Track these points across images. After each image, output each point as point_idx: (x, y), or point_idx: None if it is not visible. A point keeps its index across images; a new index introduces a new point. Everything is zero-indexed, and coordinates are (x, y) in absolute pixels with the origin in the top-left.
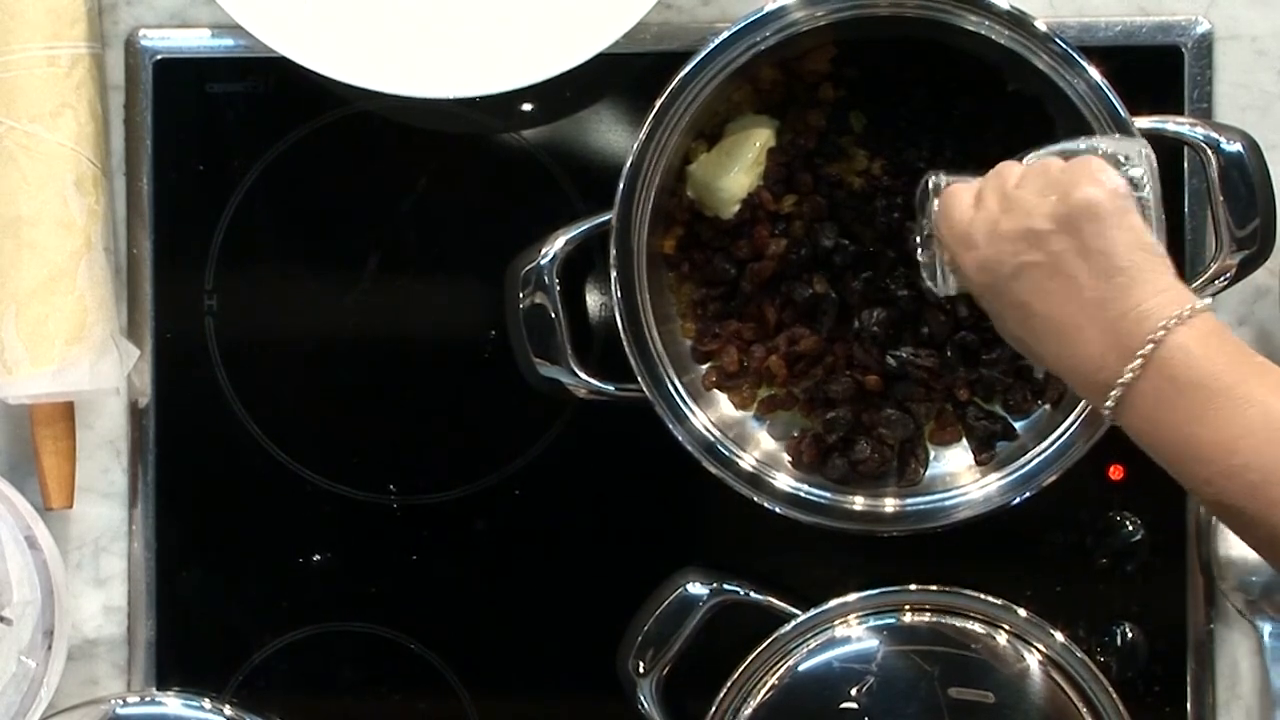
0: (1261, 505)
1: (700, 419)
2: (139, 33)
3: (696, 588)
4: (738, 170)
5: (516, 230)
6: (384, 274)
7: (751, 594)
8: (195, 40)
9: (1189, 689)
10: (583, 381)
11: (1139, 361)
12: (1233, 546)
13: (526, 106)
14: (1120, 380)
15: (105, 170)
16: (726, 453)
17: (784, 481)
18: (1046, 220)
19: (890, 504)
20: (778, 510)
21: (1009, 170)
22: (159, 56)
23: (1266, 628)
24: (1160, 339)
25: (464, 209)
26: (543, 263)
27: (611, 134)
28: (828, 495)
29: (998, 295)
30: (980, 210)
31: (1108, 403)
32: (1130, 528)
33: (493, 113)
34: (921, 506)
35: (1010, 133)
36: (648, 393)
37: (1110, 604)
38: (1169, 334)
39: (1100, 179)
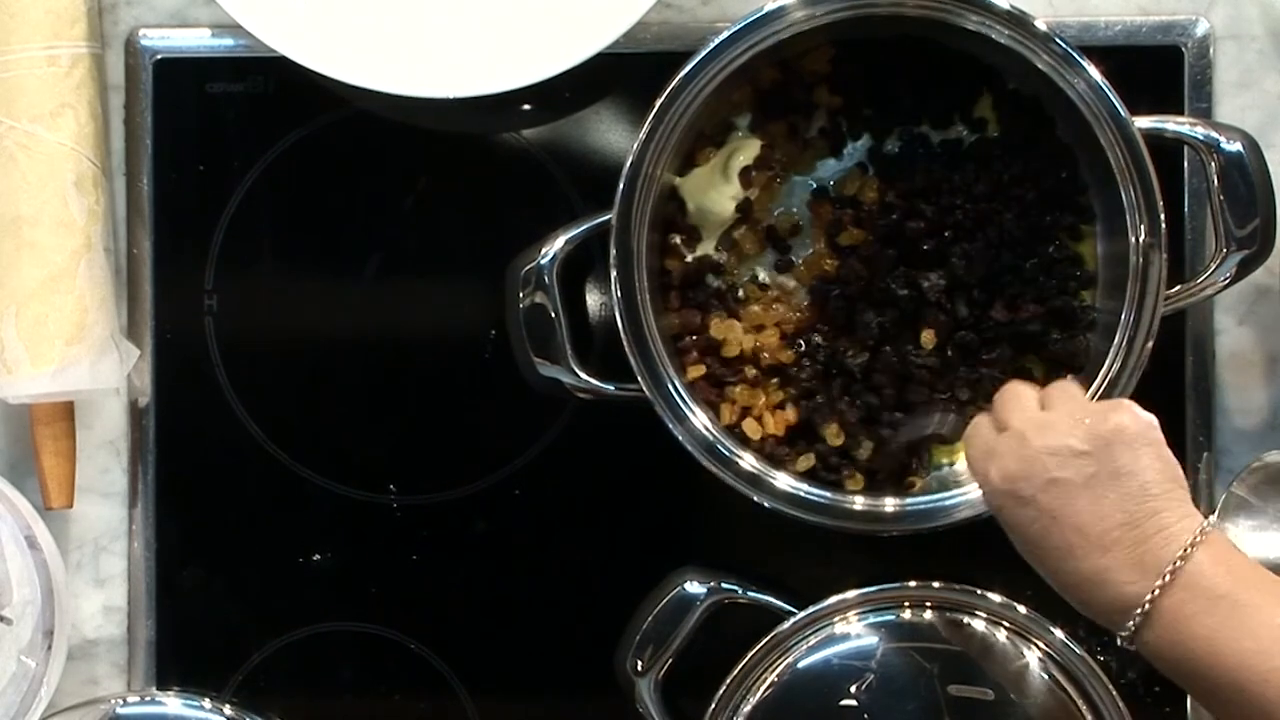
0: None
1: (700, 418)
2: (139, 32)
3: (694, 587)
4: (725, 188)
5: (516, 230)
6: (384, 274)
7: (749, 593)
8: (195, 40)
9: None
10: (583, 381)
11: (1166, 578)
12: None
13: (526, 106)
14: (1148, 596)
15: (105, 170)
16: (726, 452)
17: (784, 481)
18: (1083, 440)
19: (890, 504)
20: (778, 510)
21: (1025, 393)
22: (159, 56)
23: None
24: (1188, 555)
25: (464, 209)
26: (543, 262)
27: (611, 134)
28: (827, 495)
29: (1022, 505)
30: (1007, 430)
31: (1131, 621)
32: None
33: (493, 113)
34: (921, 506)
35: (1010, 131)
36: (648, 392)
37: None
38: (1194, 551)
39: (1136, 411)
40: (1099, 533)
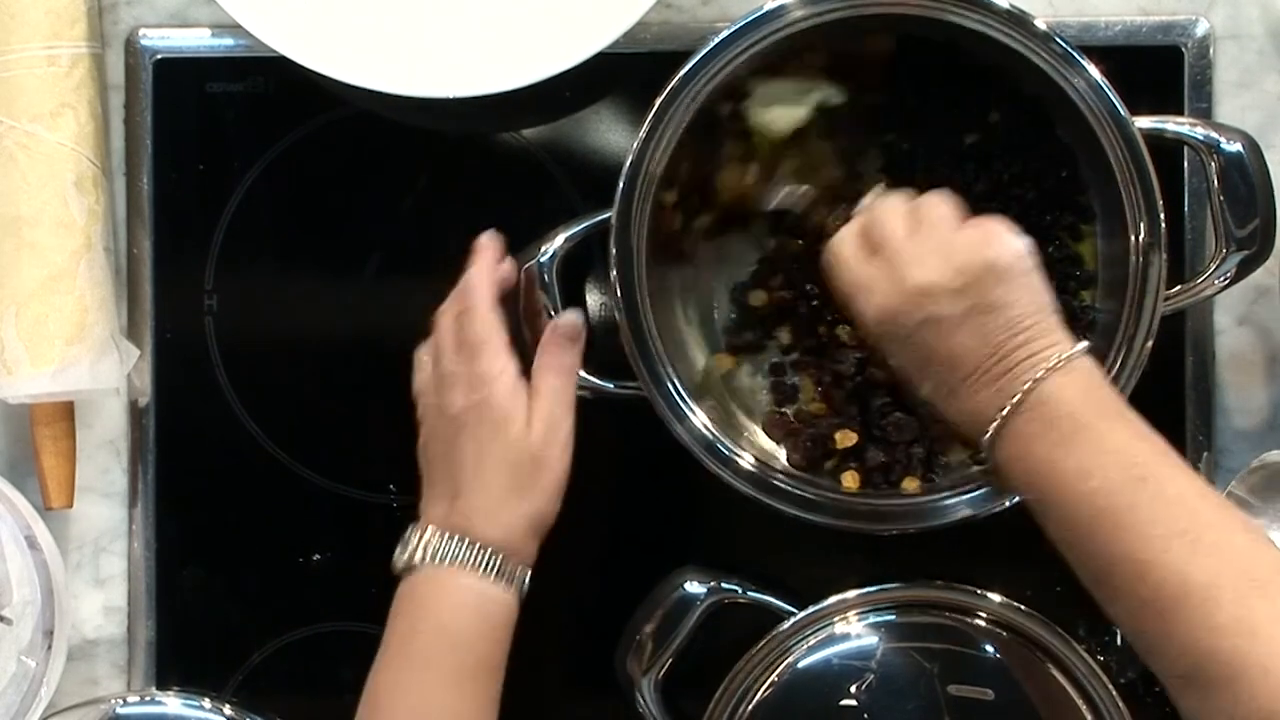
0: (1103, 531)
1: (700, 417)
2: (139, 32)
3: (694, 587)
4: (795, 110)
5: (516, 230)
6: (384, 274)
7: (749, 593)
8: (195, 40)
9: None
10: (582, 379)
11: (1017, 398)
12: None
13: (526, 106)
14: (1000, 414)
15: (105, 170)
16: (726, 451)
17: (783, 480)
18: (956, 276)
19: (891, 503)
20: (778, 509)
21: (891, 214)
22: (159, 56)
23: None
24: (1041, 378)
25: (464, 209)
26: (542, 260)
27: (611, 134)
28: (828, 494)
29: (898, 341)
30: (876, 261)
31: (985, 436)
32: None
33: (493, 113)
34: (921, 505)
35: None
36: (647, 391)
37: None
38: (1047, 376)
39: (1007, 241)
40: (971, 365)
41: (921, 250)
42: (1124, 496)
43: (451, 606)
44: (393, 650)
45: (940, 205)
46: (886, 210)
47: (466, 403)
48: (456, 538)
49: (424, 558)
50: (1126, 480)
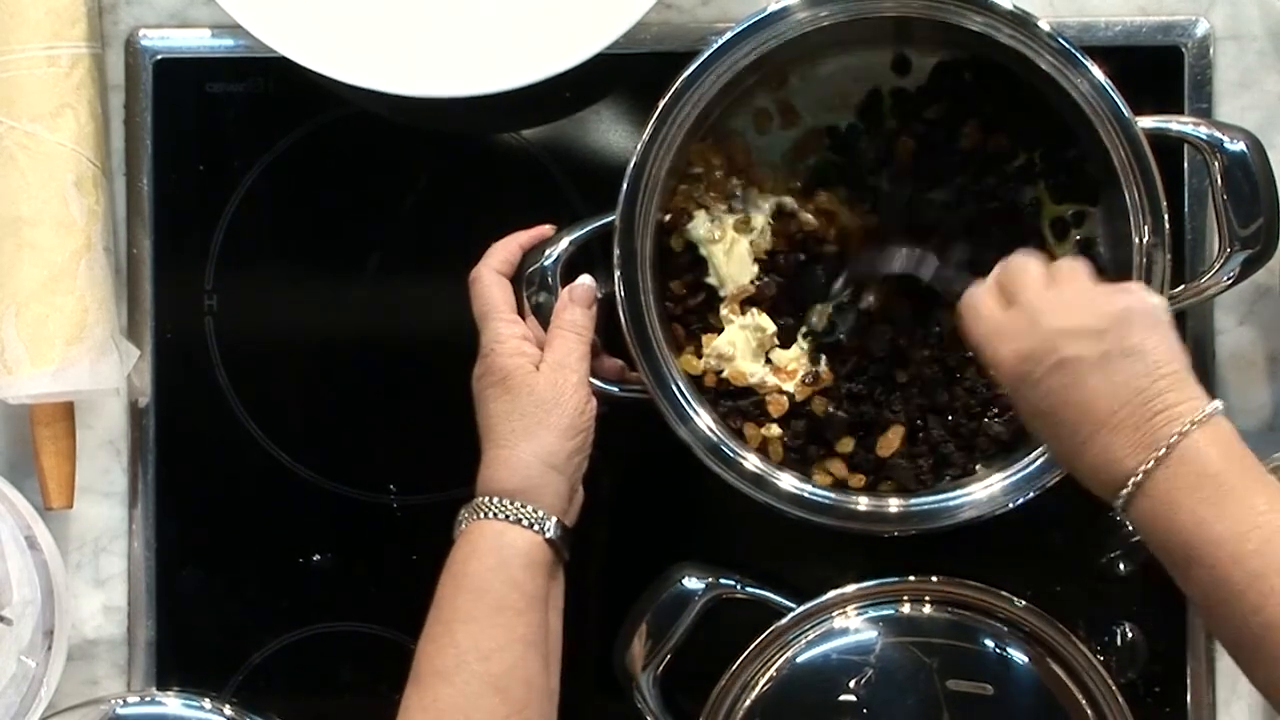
0: (1260, 594)
1: (704, 419)
2: (139, 33)
3: (693, 582)
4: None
5: (516, 230)
6: (384, 274)
7: (748, 588)
8: (195, 40)
9: (1189, 689)
10: (590, 383)
11: (1162, 451)
12: None
13: (526, 106)
14: (1143, 467)
15: (105, 170)
16: (730, 453)
17: (787, 482)
18: (1096, 319)
19: (894, 504)
20: (780, 510)
21: (1029, 267)
22: (159, 56)
23: None
24: (1186, 432)
25: (464, 209)
26: (546, 264)
27: (611, 134)
28: (831, 495)
29: (1033, 385)
30: (1013, 310)
31: (1125, 490)
32: (1130, 528)
33: (493, 113)
34: (925, 507)
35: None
36: (652, 393)
37: (1110, 604)
38: (1193, 430)
39: (1145, 292)
40: (1107, 410)
41: (1059, 298)
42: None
43: (466, 555)
44: (430, 610)
45: (1077, 264)
46: (1024, 264)
47: (480, 371)
48: (479, 498)
49: (462, 525)
50: None
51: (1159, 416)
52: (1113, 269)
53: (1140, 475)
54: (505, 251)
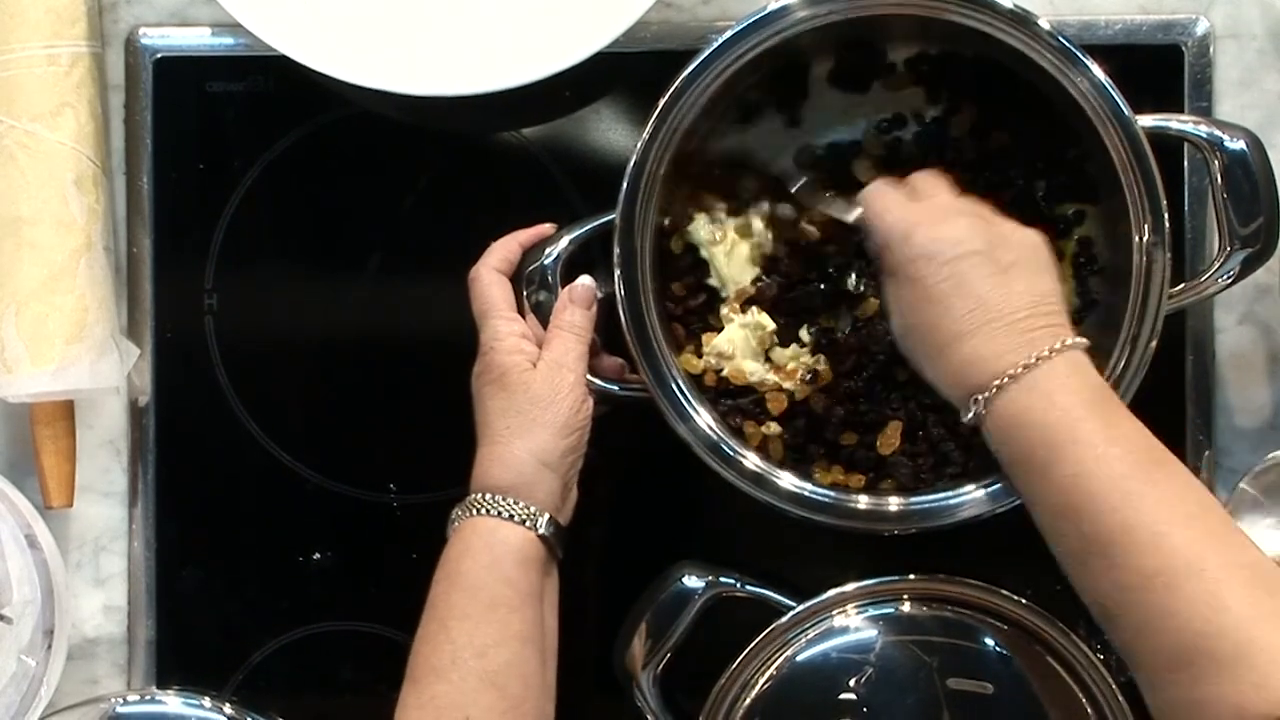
0: (1118, 496)
1: (704, 417)
2: (139, 31)
3: (693, 580)
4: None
5: (516, 229)
6: (384, 274)
7: (748, 586)
8: (195, 39)
9: None
10: (590, 382)
11: (1046, 352)
12: None
13: (526, 106)
14: (1024, 362)
15: (105, 169)
16: (730, 451)
17: (787, 480)
18: (1015, 232)
19: (894, 503)
20: (781, 509)
21: (940, 181)
22: (159, 55)
23: None
24: (1071, 345)
25: (464, 209)
26: (546, 262)
27: (611, 133)
28: (831, 494)
29: (937, 265)
30: (925, 201)
31: (998, 380)
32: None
33: (493, 112)
34: (925, 506)
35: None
36: (653, 393)
37: None
38: (1077, 347)
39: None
40: (999, 311)
41: (977, 206)
42: (1145, 470)
43: (460, 552)
44: (425, 608)
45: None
46: (930, 176)
47: (479, 369)
48: (473, 495)
49: (455, 522)
50: (1149, 456)
51: (1042, 330)
52: (1112, 268)
53: (1019, 369)
54: (505, 250)
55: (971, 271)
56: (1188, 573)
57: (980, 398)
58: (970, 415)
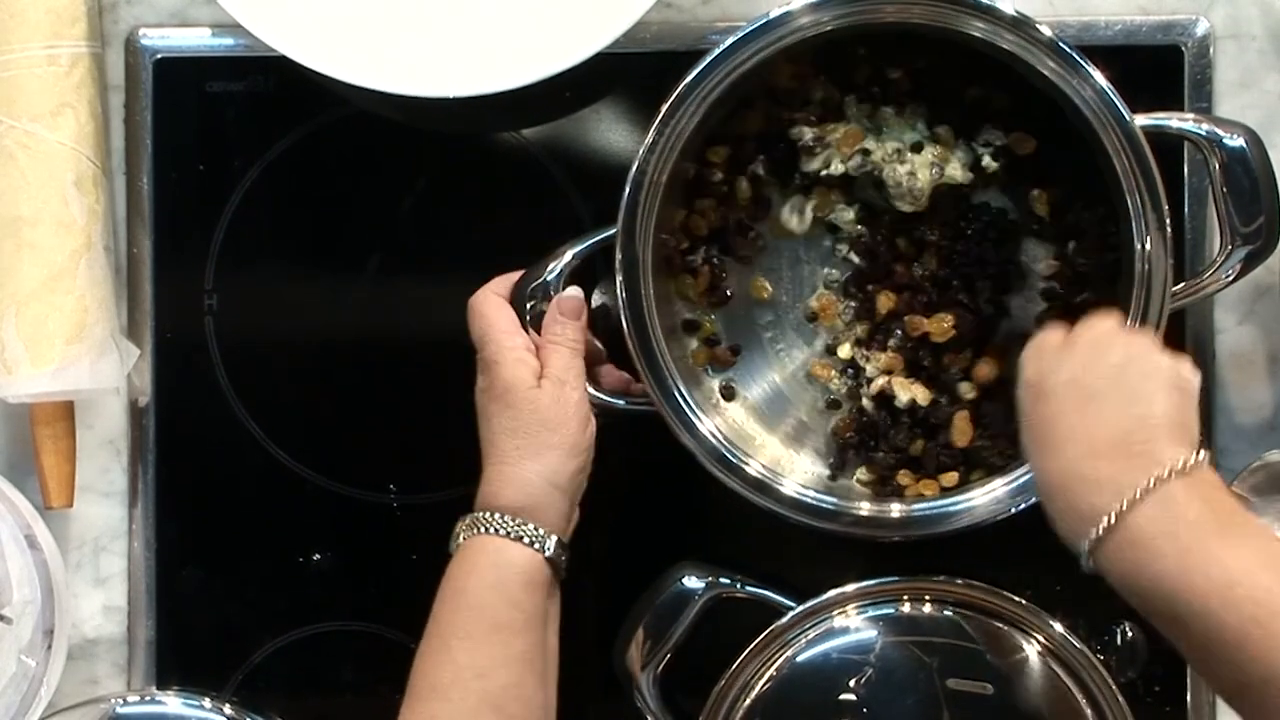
0: (1256, 640)
1: (707, 425)
2: (139, 32)
3: (692, 581)
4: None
5: (516, 230)
6: (384, 274)
7: (748, 587)
8: (195, 39)
9: (1189, 689)
10: (593, 396)
11: (1137, 493)
12: None
13: (526, 106)
14: (1116, 507)
15: (105, 170)
16: (734, 459)
17: (790, 487)
18: (1120, 355)
19: (896, 509)
20: (784, 515)
21: (1106, 319)
22: (159, 56)
23: None
24: (1165, 478)
25: (464, 209)
26: (549, 277)
27: (611, 133)
28: (834, 500)
29: (1040, 398)
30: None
31: (1095, 530)
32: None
33: (493, 112)
34: (926, 512)
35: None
36: (657, 404)
37: (1110, 604)
38: (1173, 478)
39: (1181, 363)
40: (1091, 439)
41: (1110, 338)
42: (1275, 600)
43: (466, 571)
44: (427, 623)
45: (1145, 336)
46: (1098, 315)
47: (483, 386)
48: (480, 513)
49: (460, 538)
50: (1275, 583)
51: (1138, 458)
52: (1113, 270)
53: (1114, 515)
54: (506, 281)
55: (1068, 401)
56: None
57: (1085, 550)
58: (1086, 567)
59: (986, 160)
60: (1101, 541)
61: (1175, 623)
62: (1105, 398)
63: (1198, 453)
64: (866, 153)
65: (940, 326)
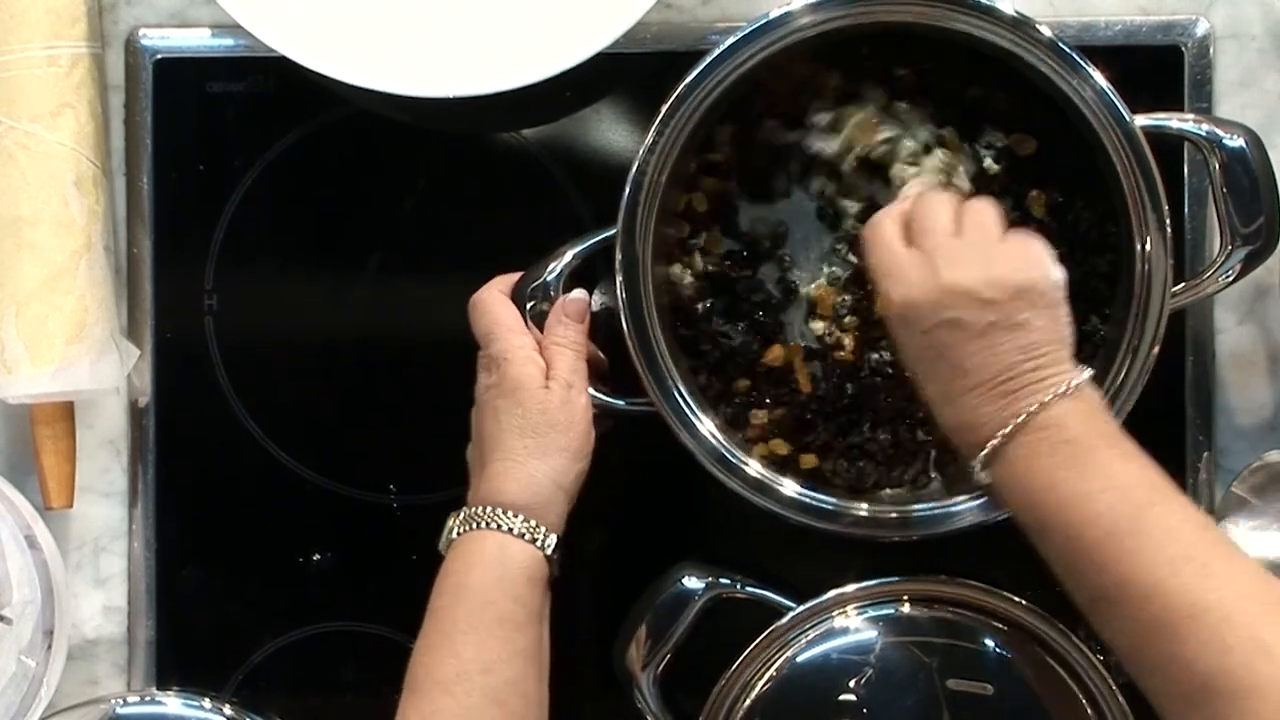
0: (1109, 552)
1: (707, 425)
2: (139, 32)
3: (692, 581)
4: None
5: (516, 230)
6: (384, 274)
7: (748, 587)
8: (195, 40)
9: None
10: (594, 397)
11: (1021, 418)
12: None
13: (526, 106)
14: (1001, 432)
15: (105, 170)
16: (734, 459)
17: (790, 487)
18: (990, 288)
19: (895, 510)
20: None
21: (940, 209)
22: (159, 56)
23: None
24: (1047, 403)
25: (464, 209)
26: (549, 278)
27: (611, 133)
28: (833, 501)
29: (914, 334)
30: (916, 250)
31: (983, 452)
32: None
33: (493, 112)
34: (926, 513)
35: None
36: (657, 404)
37: None
38: (1054, 402)
39: (1047, 266)
40: (977, 377)
41: (962, 252)
42: (1132, 520)
43: (468, 566)
44: (426, 617)
45: (988, 211)
46: (935, 202)
47: (488, 383)
48: (480, 507)
49: (455, 533)
50: (1133, 505)
51: (1025, 389)
52: (1113, 270)
53: (997, 440)
54: (506, 280)
55: (947, 339)
56: (1185, 618)
57: (974, 467)
58: (977, 478)
59: (988, 163)
60: (988, 465)
61: (1046, 535)
62: (984, 336)
63: (1078, 370)
64: (886, 142)
65: None
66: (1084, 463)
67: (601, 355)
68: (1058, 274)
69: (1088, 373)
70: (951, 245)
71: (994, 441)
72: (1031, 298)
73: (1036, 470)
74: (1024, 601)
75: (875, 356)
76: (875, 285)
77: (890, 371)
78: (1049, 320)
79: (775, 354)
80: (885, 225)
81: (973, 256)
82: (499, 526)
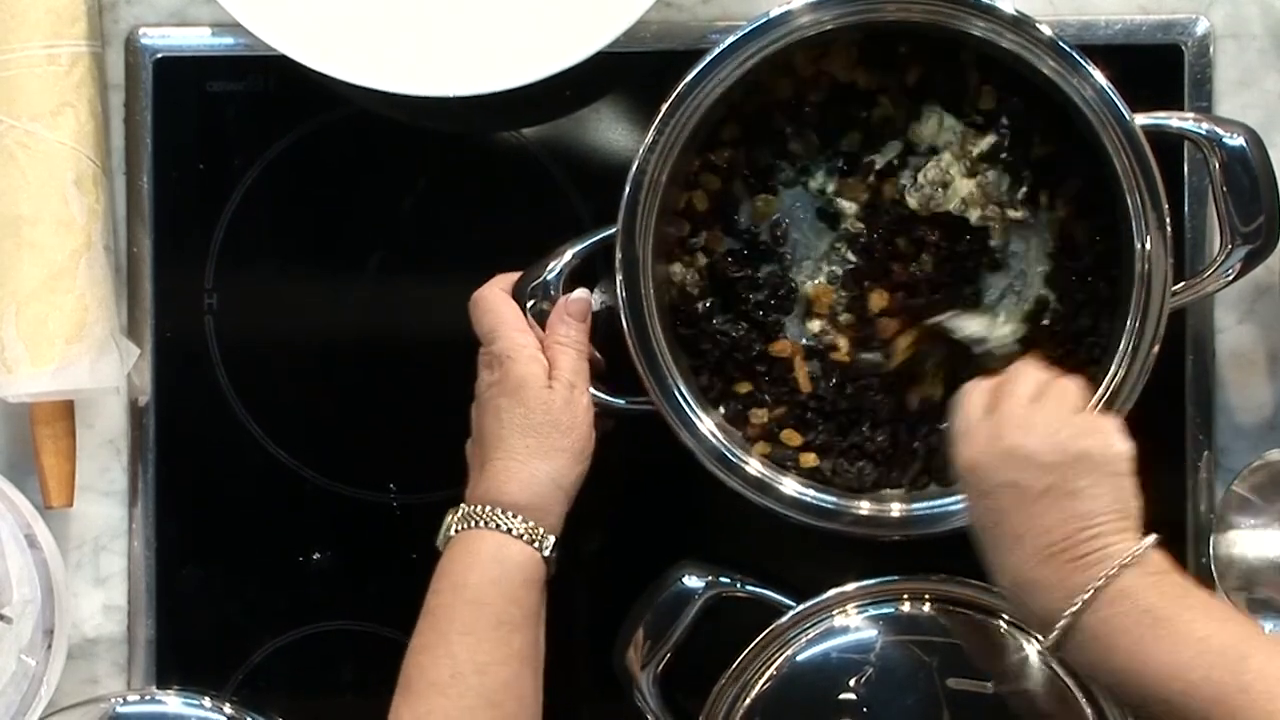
0: (1221, 716)
1: (707, 424)
2: (139, 31)
3: (692, 580)
4: None
5: (516, 229)
6: (384, 274)
7: (748, 586)
8: (195, 39)
9: None
10: (594, 396)
11: (1089, 594)
12: (1233, 545)
13: (526, 106)
14: (1067, 613)
15: (105, 169)
16: (734, 458)
17: (790, 486)
18: (1050, 453)
19: (896, 509)
20: (783, 514)
21: (1025, 379)
22: (159, 55)
23: (1268, 626)
24: (1114, 576)
25: (464, 209)
26: (549, 277)
27: (611, 133)
28: (833, 500)
29: (977, 496)
30: (990, 417)
31: (1052, 634)
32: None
33: (493, 112)
34: (926, 512)
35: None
36: (657, 404)
37: None
38: (1122, 571)
39: (1112, 437)
40: (1036, 546)
41: (1032, 419)
42: (1234, 677)
43: (466, 565)
44: (421, 615)
45: (1071, 386)
46: (1022, 373)
47: (490, 381)
48: (479, 506)
49: (454, 530)
50: (1230, 664)
51: (1085, 559)
52: (1113, 270)
53: (1067, 619)
54: (507, 279)
55: (1006, 503)
56: None
57: (1046, 649)
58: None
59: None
60: (1060, 644)
61: (1143, 708)
62: (1041, 501)
63: (1143, 535)
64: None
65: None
66: (1169, 633)
67: (599, 355)
68: (1121, 445)
69: (1152, 538)
70: (1024, 413)
71: (1063, 622)
72: (1090, 465)
73: (1119, 649)
74: None
75: (866, 357)
76: (950, 449)
77: (880, 374)
78: (1110, 489)
79: (781, 345)
80: (973, 393)
81: (1041, 424)
82: (498, 526)
